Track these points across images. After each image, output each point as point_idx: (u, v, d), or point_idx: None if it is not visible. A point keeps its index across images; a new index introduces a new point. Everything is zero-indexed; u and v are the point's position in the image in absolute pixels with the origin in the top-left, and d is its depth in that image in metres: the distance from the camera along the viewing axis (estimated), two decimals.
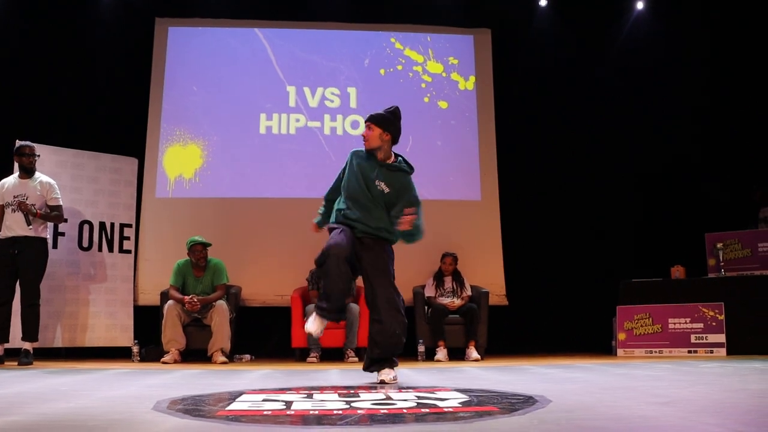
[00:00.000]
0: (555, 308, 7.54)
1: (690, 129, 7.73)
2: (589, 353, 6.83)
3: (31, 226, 5.44)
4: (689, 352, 6.23)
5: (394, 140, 3.91)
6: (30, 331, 5.44)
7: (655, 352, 6.35)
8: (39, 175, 5.68)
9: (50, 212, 5.60)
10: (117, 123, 7.43)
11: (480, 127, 7.89)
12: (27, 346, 5.42)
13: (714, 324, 6.21)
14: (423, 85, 7.94)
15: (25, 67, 7.35)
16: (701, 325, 6.25)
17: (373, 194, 3.81)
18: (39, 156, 5.73)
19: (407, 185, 3.89)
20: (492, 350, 6.80)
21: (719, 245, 6.82)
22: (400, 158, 3.95)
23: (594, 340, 7.20)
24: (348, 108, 7.83)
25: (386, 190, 3.82)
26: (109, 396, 2.91)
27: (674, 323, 6.36)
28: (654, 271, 6.96)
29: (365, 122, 3.94)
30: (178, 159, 7.52)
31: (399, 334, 3.73)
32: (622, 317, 6.56)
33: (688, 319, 6.32)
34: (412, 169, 3.94)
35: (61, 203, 5.68)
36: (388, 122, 3.86)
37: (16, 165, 5.78)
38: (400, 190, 3.85)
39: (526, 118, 7.99)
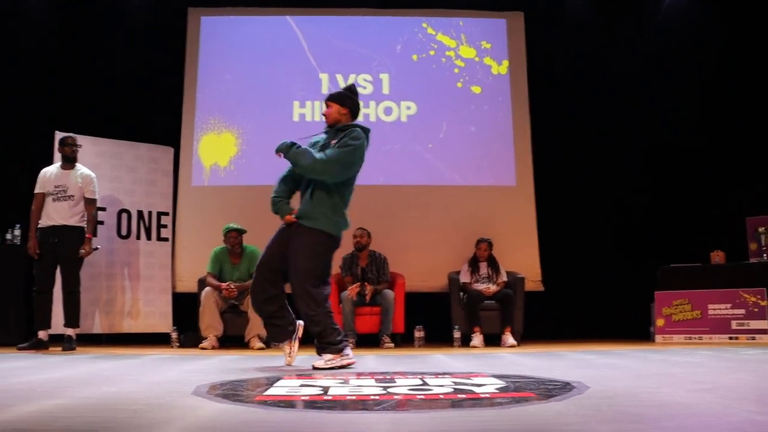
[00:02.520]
0: (592, 294, 7.44)
1: (733, 111, 7.53)
2: (626, 339, 6.75)
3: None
4: (730, 338, 6.11)
5: (353, 113, 4.09)
6: (71, 317, 5.58)
7: (695, 338, 6.24)
8: (80, 167, 5.78)
9: (89, 213, 5.69)
10: (153, 112, 7.52)
11: (514, 111, 7.80)
12: (70, 332, 5.56)
13: (756, 310, 6.07)
14: (456, 71, 7.87)
15: (63, 59, 7.46)
16: (743, 311, 6.13)
17: None
18: (81, 146, 5.82)
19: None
20: (528, 336, 6.77)
21: (761, 229, 6.66)
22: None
23: (632, 326, 7.09)
24: (381, 94, 7.80)
25: None
26: (150, 381, 2.96)
27: (714, 309, 6.24)
28: (693, 257, 6.84)
29: (325, 102, 4.09)
30: (213, 147, 7.59)
31: None
32: (661, 303, 6.46)
33: (728, 305, 6.19)
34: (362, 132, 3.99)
35: (96, 197, 5.75)
36: (344, 97, 4.05)
37: (57, 155, 5.91)
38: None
39: (561, 102, 7.85)
